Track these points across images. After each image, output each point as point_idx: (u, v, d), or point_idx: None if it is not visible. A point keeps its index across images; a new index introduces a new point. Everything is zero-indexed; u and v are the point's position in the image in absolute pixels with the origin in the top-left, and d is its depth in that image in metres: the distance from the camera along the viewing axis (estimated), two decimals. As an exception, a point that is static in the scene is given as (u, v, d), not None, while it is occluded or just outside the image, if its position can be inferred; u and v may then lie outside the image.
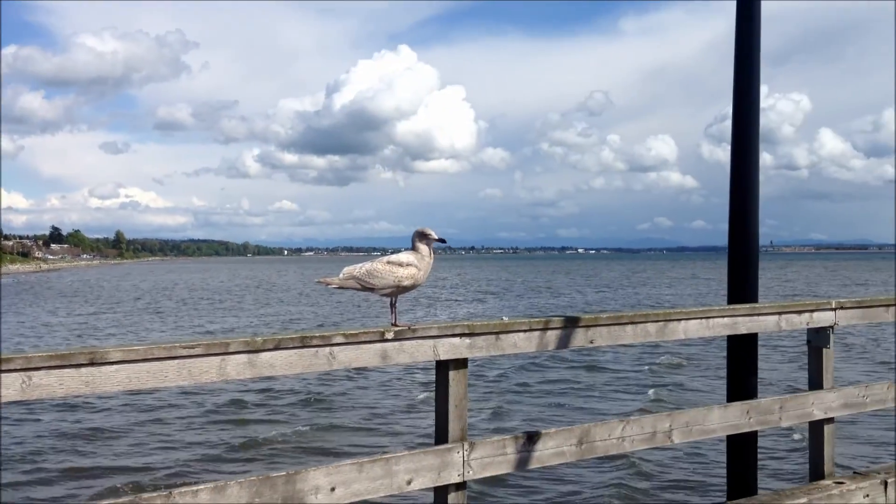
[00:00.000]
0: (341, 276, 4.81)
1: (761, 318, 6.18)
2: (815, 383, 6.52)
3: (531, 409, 18.12)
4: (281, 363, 4.42)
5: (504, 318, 5.28)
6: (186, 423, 17.17)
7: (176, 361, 4.12)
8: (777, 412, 6.18)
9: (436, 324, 4.94)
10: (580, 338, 5.41)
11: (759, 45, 6.62)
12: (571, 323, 5.36)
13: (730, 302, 6.55)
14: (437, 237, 4.91)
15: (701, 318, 5.89)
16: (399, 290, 4.84)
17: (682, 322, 5.81)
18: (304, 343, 4.48)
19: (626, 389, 20.04)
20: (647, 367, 22.97)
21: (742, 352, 6.51)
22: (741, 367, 6.52)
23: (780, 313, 6.25)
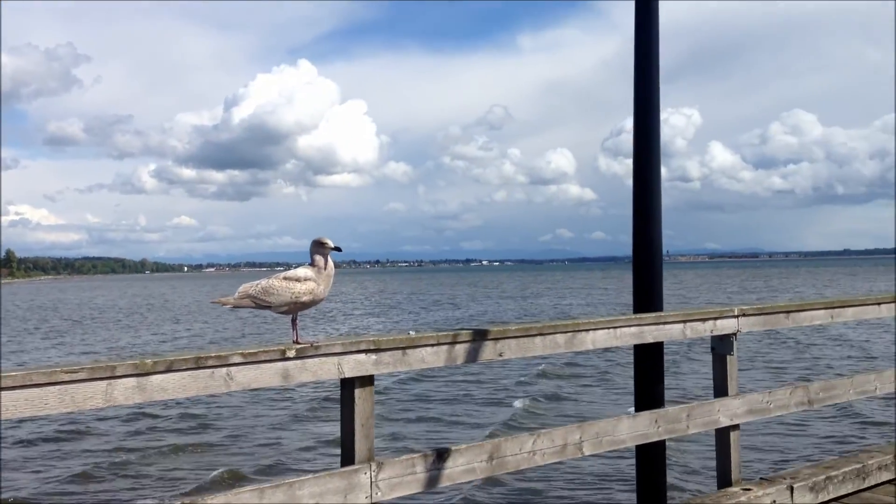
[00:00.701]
0: (236, 294, 4.54)
1: (667, 326, 6.19)
2: (721, 390, 6.57)
3: (424, 428, 17.90)
4: (173, 386, 4.14)
5: (411, 332, 5.11)
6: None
7: (57, 388, 3.80)
8: (685, 420, 6.19)
9: (340, 340, 4.74)
10: (489, 351, 5.29)
11: (658, 57, 6.66)
12: (480, 336, 5.24)
13: (636, 311, 6.54)
14: (332, 245, 4.69)
15: (608, 327, 5.85)
16: (297, 306, 4.60)
17: (591, 332, 5.76)
18: (198, 364, 4.21)
19: (498, 401, 20.30)
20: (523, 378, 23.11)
21: (648, 361, 6.50)
22: (648, 375, 6.51)
23: (684, 321, 6.27)
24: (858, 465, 6.86)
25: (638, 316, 6.09)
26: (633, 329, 5.98)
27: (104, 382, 3.93)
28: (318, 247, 4.65)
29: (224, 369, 4.29)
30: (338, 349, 4.66)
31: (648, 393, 6.49)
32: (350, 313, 59.79)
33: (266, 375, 4.44)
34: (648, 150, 6.63)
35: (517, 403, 19.61)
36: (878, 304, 7.58)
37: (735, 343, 6.54)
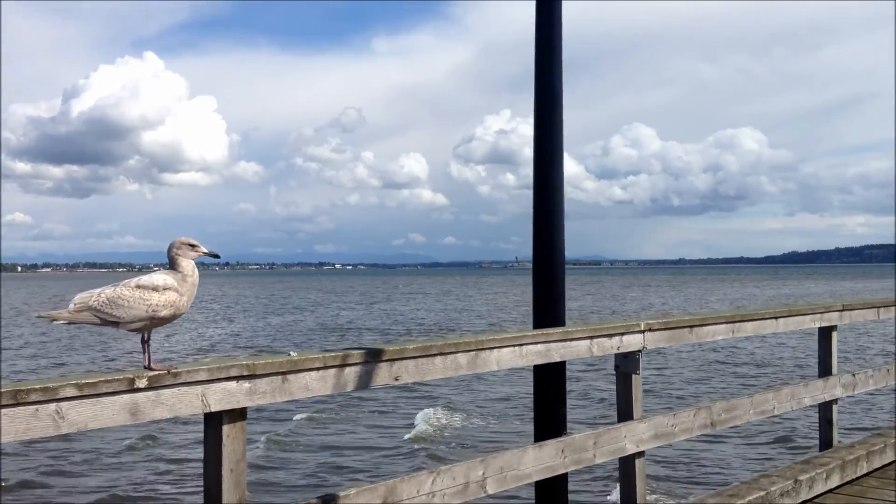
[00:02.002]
0: (72, 306, 3.54)
1: (574, 343, 5.57)
2: (625, 413, 6.03)
3: (305, 465, 15.61)
4: (-18, 430, 3.13)
5: (292, 353, 4.25)
6: None
7: None
8: (591, 448, 5.59)
9: (204, 364, 3.82)
10: (384, 374, 4.50)
11: (561, 56, 6.07)
12: (373, 357, 4.43)
13: (536, 325, 5.90)
14: (206, 251, 3.80)
15: (514, 345, 5.17)
16: (154, 322, 3.67)
17: (496, 351, 5.06)
18: (17, 399, 3.21)
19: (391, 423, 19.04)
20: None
21: (551, 381, 5.86)
22: (549, 398, 5.87)
23: (591, 337, 5.68)
24: (762, 493, 6.47)
25: (545, 331, 5.44)
26: (539, 347, 5.33)
27: None
28: (187, 249, 3.73)
29: (52, 405, 3.31)
30: (202, 376, 3.75)
31: (550, 417, 5.84)
32: (193, 319, 56.14)
33: (109, 412, 3.48)
34: (551, 150, 6.04)
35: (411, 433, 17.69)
36: (776, 318, 7.27)
37: (641, 361, 6.01)
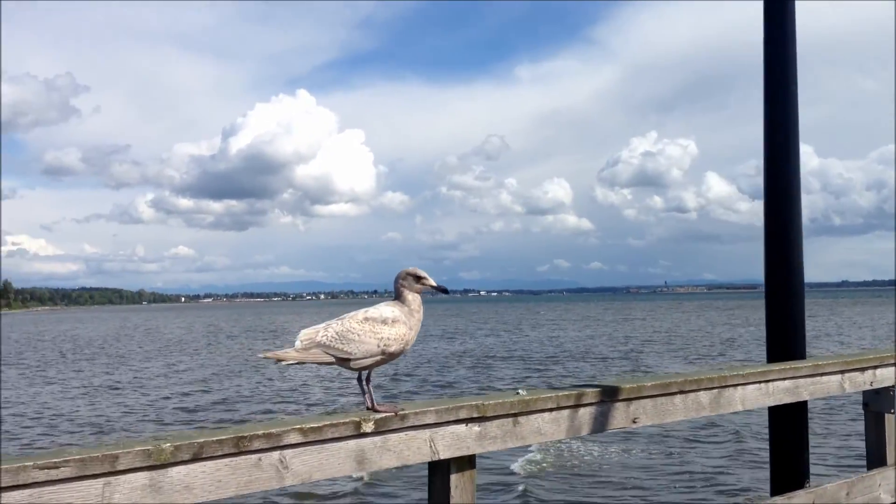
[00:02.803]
0: (299, 343, 3.21)
1: (824, 378, 4.83)
2: (876, 458, 5.21)
3: None
4: (203, 482, 2.78)
5: (520, 390, 3.75)
6: None
7: (27, 493, 2.44)
8: (844, 500, 4.82)
9: (431, 405, 3.37)
10: (621, 416, 3.93)
11: (795, 49, 5.37)
12: (609, 395, 3.87)
13: (771, 358, 5.19)
14: (434, 283, 3.43)
15: (759, 381, 4.49)
16: (384, 359, 3.29)
17: (740, 388, 4.40)
18: (239, 447, 2.85)
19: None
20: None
21: (791, 422, 5.12)
22: (790, 441, 5.14)
23: (843, 371, 4.92)
24: None
25: (792, 365, 4.72)
26: (786, 383, 4.62)
27: (100, 482, 2.57)
28: (413, 281, 3.40)
29: (276, 454, 2.93)
30: (430, 418, 3.31)
31: (791, 464, 5.11)
32: None
33: (335, 461, 3.08)
34: (784, 157, 5.33)
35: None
36: None
37: (895, 398, 5.18)
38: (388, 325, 3.27)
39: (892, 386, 5.17)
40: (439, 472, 3.44)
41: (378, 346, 3.23)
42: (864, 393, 5.22)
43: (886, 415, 5.18)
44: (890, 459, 5.19)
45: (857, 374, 4.98)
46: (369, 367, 3.29)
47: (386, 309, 3.35)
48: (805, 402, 5.06)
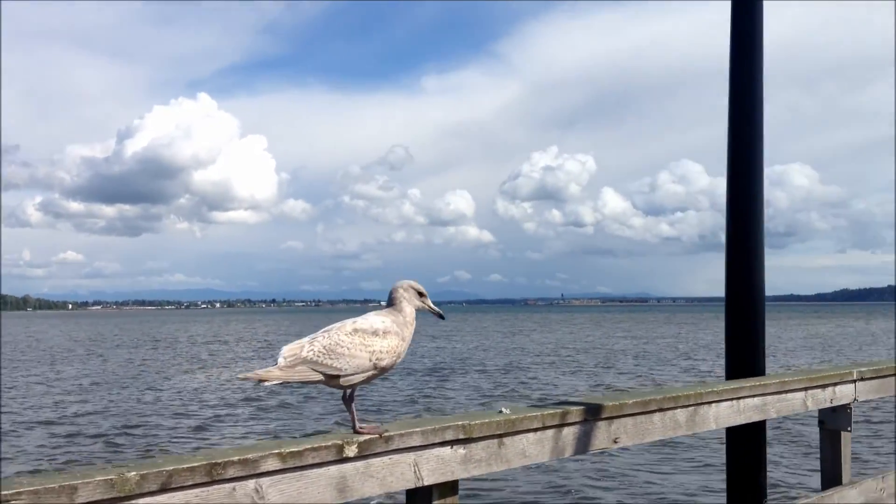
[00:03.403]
0: (283, 360, 2.86)
1: (789, 395, 4.73)
2: (832, 477, 5.15)
3: None
4: (173, 517, 2.39)
5: (503, 409, 3.48)
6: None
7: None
8: (805, 521, 4.72)
9: (417, 426, 3.06)
10: (602, 436, 3.72)
11: (762, 52, 5.29)
12: (593, 414, 3.64)
13: (730, 374, 5.07)
14: (433, 306, 3.19)
15: (731, 398, 4.34)
16: (375, 374, 2.99)
17: (713, 406, 4.24)
18: (212, 475, 2.48)
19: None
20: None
21: (749, 441, 4.98)
22: (747, 461, 5.00)
23: (806, 388, 4.83)
24: None
25: (761, 381, 4.59)
26: (755, 400, 4.50)
27: (53, 522, 2.16)
28: (414, 295, 3.14)
29: (252, 482, 2.58)
30: (416, 440, 3.00)
31: (749, 485, 4.97)
32: (236, 352, 53.93)
33: (314, 490, 2.74)
34: (747, 163, 5.23)
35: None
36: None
37: (851, 415, 5.13)
38: (379, 337, 2.97)
39: (849, 404, 5.12)
40: (420, 500, 3.12)
41: (370, 361, 2.93)
42: (821, 411, 5.15)
43: (843, 433, 5.13)
44: (846, 478, 5.14)
45: (818, 391, 4.90)
46: (359, 384, 2.97)
47: (376, 319, 3.05)
48: (764, 422, 4.94)
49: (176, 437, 18.98)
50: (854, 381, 5.14)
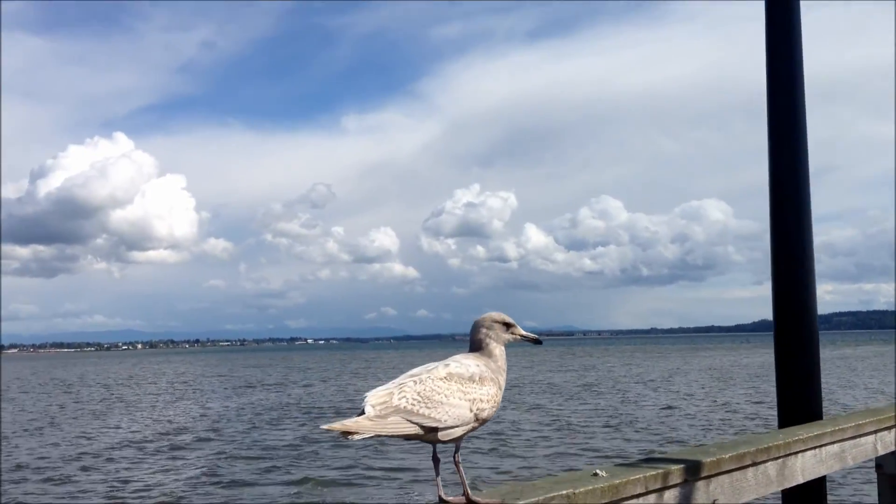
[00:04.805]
0: (370, 409, 2.36)
1: (862, 439, 4.27)
2: (893, 527, 4.69)
3: None
4: None
5: (599, 471, 2.92)
6: None
7: None
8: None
9: (516, 496, 2.47)
10: (701, 497, 3.19)
11: (802, 68, 4.88)
12: (692, 473, 3.10)
13: (784, 421, 4.59)
14: (525, 333, 2.75)
15: (815, 446, 3.86)
16: (474, 427, 2.53)
17: (800, 456, 3.75)
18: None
19: None
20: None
21: (811, 497, 4.48)
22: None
23: (876, 431, 4.38)
24: None
25: (839, 426, 4.11)
26: (835, 447, 4.03)
27: None
28: (502, 329, 2.68)
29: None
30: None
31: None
32: (156, 395, 51.10)
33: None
34: (794, 188, 4.81)
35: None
36: None
37: (917, 458, 4.70)
38: (476, 384, 2.51)
39: (911, 446, 4.68)
40: None
41: (471, 411, 2.46)
42: (883, 455, 4.70)
43: (905, 477, 4.68)
44: (909, 528, 4.69)
45: (885, 433, 4.46)
46: (458, 439, 2.50)
47: (470, 363, 2.57)
48: (824, 477, 4.45)
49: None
50: (912, 421, 4.71)
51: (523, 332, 2.72)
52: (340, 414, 33.55)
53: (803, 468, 3.77)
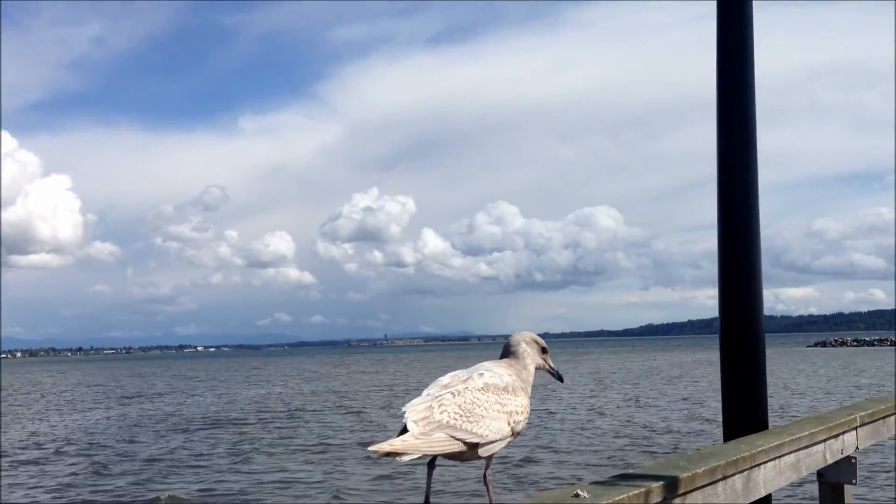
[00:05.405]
0: (414, 426, 2.22)
1: (814, 448, 4.19)
2: (835, 536, 4.64)
3: None
4: None
5: (580, 492, 2.69)
6: None
7: None
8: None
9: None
10: None
11: (753, 59, 4.81)
12: (670, 490, 2.92)
13: (730, 431, 4.49)
14: (553, 367, 2.77)
15: (775, 457, 3.74)
16: (510, 440, 2.53)
17: (762, 468, 3.62)
18: None
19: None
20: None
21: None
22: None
23: (825, 440, 4.31)
24: None
25: (791, 435, 4.01)
26: (791, 458, 3.92)
27: None
28: (537, 351, 2.69)
29: None
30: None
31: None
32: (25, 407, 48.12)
33: None
34: (742, 186, 4.71)
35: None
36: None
37: (856, 466, 4.67)
38: (510, 394, 2.45)
39: (853, 454, 4.65)
40: None
41: (508, 424, 2.41)
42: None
43: (846, 486, 4.64)
44: (848, 539, 4.65)
45: (832, 441, 4.41)
46: (493, 455, 2.41)
47: (502, 372, 2.51)
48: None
49: None
50: (856, 429, 4.68)
51: (551, 365, 2.73)
52: (217, 425, 32.58)
53: (765, 480, 3.65)
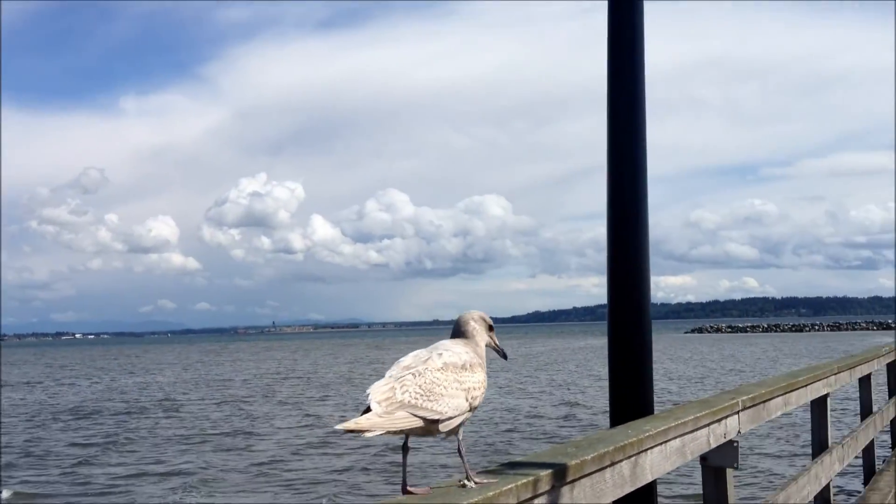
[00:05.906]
0: (377, 406, 2.39)
1: (699, 433, 4.21)
2: (716, 520, 4.70)
3: None
4: None
5: (466, 481, 2.57)
6: None
7: None
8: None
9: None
10: (566, 502, 2.90)
11: (643, 56, 4.78)
12: (559, 478, 2.83)
13: (617, 416, 4.48)
14: (498, 344, 2.91)
15: (661, 442, 3.72)
16: (468, 416, 2.65)
17: (649, 453, 3.59)
18: None
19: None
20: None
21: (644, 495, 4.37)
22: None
23: (709, 424, 4.34)
24: None
25: (676, 419, 4.00)
26: (676, 443, 3.92)
27: None
28: (484, 328, 2.83)
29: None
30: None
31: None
32: None
33: None
34: (632, 177, 4.70)
35: None
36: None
37: (738, 450, 4.73)
38: (468, 371, 2.60)
39: (734, 439, 4.70)
40: None
41: (466, 400, 2.57)
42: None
43: (728, 469, 4.69)
44: (729, 521, 4.71)
45: (716, 425, 4.44)
46: (455, 429, 2.59)
47: (461, 350, 2.64)
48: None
49: None
50: (738, 413, 4.74)
51: (497, 342, 2.84)
52: (81, 417, 31.50)
53: (652, 466, 3.62)
